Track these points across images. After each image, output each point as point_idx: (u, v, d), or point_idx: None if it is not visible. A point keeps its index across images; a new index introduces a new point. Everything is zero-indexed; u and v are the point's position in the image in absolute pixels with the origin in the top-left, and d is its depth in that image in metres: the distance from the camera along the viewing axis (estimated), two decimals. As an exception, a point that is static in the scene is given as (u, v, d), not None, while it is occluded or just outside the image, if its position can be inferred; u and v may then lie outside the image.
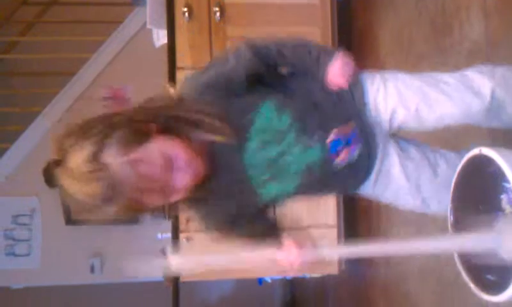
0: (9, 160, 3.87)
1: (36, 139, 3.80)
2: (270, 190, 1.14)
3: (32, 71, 4.12)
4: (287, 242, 1.12)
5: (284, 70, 1.19)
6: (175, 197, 1.03)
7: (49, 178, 3.81)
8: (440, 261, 1.99)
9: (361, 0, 2.96)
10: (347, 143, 1.15)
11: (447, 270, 1.94)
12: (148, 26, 2.92)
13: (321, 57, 1.17)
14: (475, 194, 1.07)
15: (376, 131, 1.20)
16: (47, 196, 3.87)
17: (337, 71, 1.16)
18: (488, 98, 1.18)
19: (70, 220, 3.92)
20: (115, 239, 3.92)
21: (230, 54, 1.14)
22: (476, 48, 1.79)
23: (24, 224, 3.93)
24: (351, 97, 1.18)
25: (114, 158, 0.94)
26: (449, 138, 1.48)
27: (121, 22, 3.87)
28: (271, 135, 1.10)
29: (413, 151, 1.26)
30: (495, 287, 0.98)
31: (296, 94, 1.16)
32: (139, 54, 3.65)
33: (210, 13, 2.66)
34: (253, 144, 1.09)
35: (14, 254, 3.92)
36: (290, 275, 1.16)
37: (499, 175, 0.98)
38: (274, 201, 1.19)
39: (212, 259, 1.17)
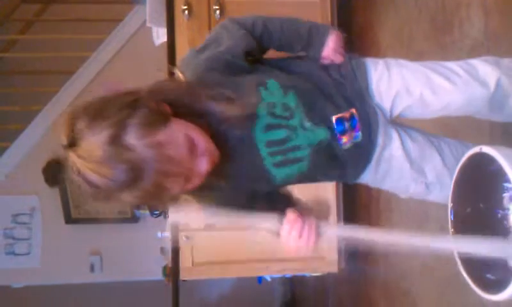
0: (9, 158, 3.87)
1: (36, 137, 3.79)
2: (284, 171, 1.11)
3: (32, 69, 4.11)
4: (291, 215, 1.03)
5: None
6: (194, 183, 0.98)
7: (49, 177, 3.82)
8: (440, 259, 1.99)
9: (361, -3, 2.95)
10: (353, 126, 1.14)
11: (447, 269, 1.93)
12: (148, 24, 2.91)
13: (313, 35, 1.16)
14: (476, 192, 1.07)
15: (378, 116, 1.18)
16: (47, 195, 3.87)
17: (332, 47, 1.16)
18: (492, 86, 1.17)
19: (70, 219, 3.92)
20: (115, 238, 3.92)
21: (221, 33, 1.11)
22: (476, 45, 1.78)
23: (24, 223, 3.92)
24: (354, 80, 1.17)
25: (138, 139, 0.87)
26: (449, 134, 1.47)
27: (121, 20, 3.86)
28: (281, 110, 1.08)
29: (416, 135, 1.24)
30: (495, 286, 0.98)
31: (296, 76, 1.15)
32: (139, 52, 3.64)
33: (210, 11, 2.66)
34: (263, 121, 1.06)
35: (14, 253, 3.92)
36: (292, 251, 1.04)
37: (500, 173, 0.97)
38: (288, 182, 1.15)
39: (215, 217, 1.12)
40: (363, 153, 1.19)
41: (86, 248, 3.93)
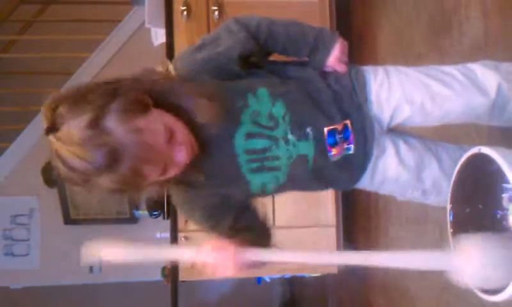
0: (8, 159, 3.87)
1: (34, 138, 3.79)
2: (259, 178, 1.11)
3: (31, 70, 4.11)
4: (208, 243, 1.04)
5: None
6: (171, 173, 0.99)
7: (48, 177, 3.82)
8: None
9: (360, -1, 2.96)
10: (345, 138, 1.13)
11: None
12: (147, 25, 2.92)
13: (319, 41, 1.14)
14: (475, 193, 1.07)
15: (374, 128, 1.17)
16: (46, 196, 3.86)
17: (338, 56, 1.15)
18: (493, 92, 1.16)
19: (68, 220, 3.92)
20: (114, 238, 3.91)
21: (221, 34, 1.11)
22: (475, 47, 1.78)
23: (23, 224, 3.92)
24: (353, 91, 1.16)
25: (117, 124, 0.89)
26: (447, 137, 1.48)
27: (119, 21, 3.86)
28: (265, 119, 1.07)
29: (413, 142, 1.23)
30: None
31: (292, 81, 1.13)
32: (137, 53, 3.64)
33: (208, 12, 2.66)
34: (245, 128, 1.06)
35: (12, 254, 3.91)
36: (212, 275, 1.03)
37: (499, 174, 0.97)
38: (263, 191, 1.13)
39: (139, 251, 1.13)
40: (357, 164, 1.18)
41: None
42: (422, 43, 2.20)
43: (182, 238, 2.66)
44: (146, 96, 0.96)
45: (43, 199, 3.88)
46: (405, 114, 1.18)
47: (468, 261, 0.93)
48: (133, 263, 1.07)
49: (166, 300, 2.84)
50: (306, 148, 1.10)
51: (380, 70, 1.19)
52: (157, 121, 0.95)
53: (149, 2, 2.84)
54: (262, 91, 1.08)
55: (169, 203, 2.75)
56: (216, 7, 2.63)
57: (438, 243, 1.98)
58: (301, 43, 1.15)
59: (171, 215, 2.71)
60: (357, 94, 1.16)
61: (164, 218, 2.89)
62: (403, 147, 1.21)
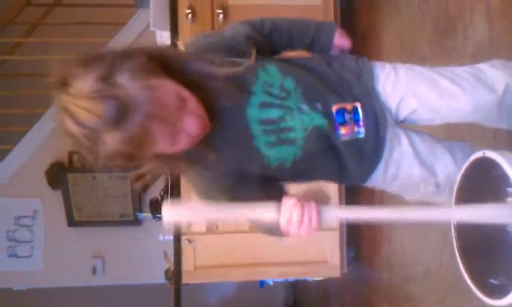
0: (12, 161, 3.88)
1: (39, 140, 3.80)
2: (276, 152, 1.08)
3: (36, 72, 4.12)
4: (290, 198, 0.96)
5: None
6: (181, 145, 0.97)
7: (52, 179, 3.82)
8: (443, 264, 1.98)
9: (364, 1, 2.96)
10: (355, 120, 1.13)
11: (450, 274, 1.93)
12: (152, 28, 2.92)
13: (321, 27, 1.21)
14: (479, 197, 1.06)
15: (386, 115, 1.16)
16: (49, 198, 3.87)
17: (342, 34, 1.22)
18: (501, 91, 1.15)
19: (72, 222, 3.93)
20: (117, 241, 3.92)
21: (226, 28, 1.17)
22: (480, 50, 1.78)
23: (26, 226, 3.93)
24: (360, 76, 1.17)
25: (129, 79, 0.87)
26: (453, 139, 1.47)
27: (124, 24, 3.87)
28: (277, 90, 1.09)
29: (425, 136, 1.22)
30: (498, 291, 0.97)
31: (299, 67, 1.15)
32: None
33: (213, 15, 2.67)
34: (258, 98, 1.07)
35: (16, 256, 3.92)
36: (292, 234, 0.95)
37: (503, 178, 0.97)
38: (278, 166, 1.09)
39: (209, 210, 1.02)
40: (368, 151, 1.15)
41: (88, 251, 3.93)
42: (426, 46, 2.20)
43: (185, 241, 2.66)
44: (158, 65, 0.96)
45: (47, 201, 3.89)
46: (412, 107, 1.17)
47: None
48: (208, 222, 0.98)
49: (169, 303, 2.84)
50: (320, 120, 1.10)
51: (387, 64, 1.20)
52: (169, 86, 0.94)
53: (154, 5, 2.85)
54: (272, 67, 1.10)
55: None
56: (220, 11, 2.63)
57: (442, 248, 1.98)
58: (305, 30, 1.20)
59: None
60: (365, 80, 1.17)
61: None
62: (416, 139, 1.20)
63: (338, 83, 1.15)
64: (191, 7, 2.64)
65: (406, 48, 2.41)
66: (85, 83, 0.86)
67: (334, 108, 1.11)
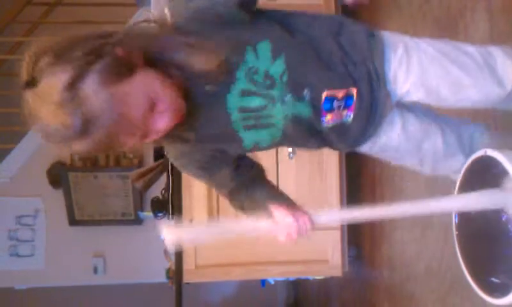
0: (14, 160, 3.88)
1: (40, 140, 3.79)
2: (253, 135, 1.08)
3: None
4: (280, 211, 1.05)
5: None
6: (153, 137, 0.98)
7: (53, 178, 3.81)
8: (444, 263, 1.98)
9: (366, 1, 2.95)
10: (346, 105, 1.09)
11: (452, 273, 1.93)
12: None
13: None
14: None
15: (386, 104, 1.13)
16: (51, 197, 3.88)
17: None
18: (509, 86, 1.13)
19: (73, 221, 3.93)
20: (118, 240, 3.92)
21: None
22: (481, 49, 1.78)
23: (28, 225, 3.93)
24: (368, 60, 1.10)
25: (94, 90, 0.86)
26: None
27: (125, 23, 3.87)
28: (261, 78, 1.02)
29: (421, 115, 1.21)
30: (499, 290, 0.97)
31: (300, 36, 1.06)
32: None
33: (214, 13, 2.66)
34: (240, 85, 1.02)
35: (17, 255, 3.93)
36: (287, 240, 1.06)
37: (504, 177, 0.97)
38: (256, 147, 1.11)
39: (208, 230, 1.12)
40: (352, 135, 1.14)
41: (89, 250, 3.94)
42: (428, 45, 2.20)
43: (187, 240, 2.66)
44: (136, 53, 0.93)
45: (48, 200, 3.89)
46: (418, 96, 1.15)
47: None
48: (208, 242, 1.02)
49: (171, 302, 2.84)
50: (302, 109, 1.06)
51: (400, 45, 1.13)
52: (139, 88, 0.91)
53: (155, 3, 2.85)
54: (264, 45, 1.02)
55: (173, 204, 2.75)
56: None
57: (443, 246, 1.97)
58: None
59: (176, 216, 2.71)
60: (374, 65, 1.10)
61: (168, 219, 2.89)
62: (411, 119, 1.19)
63: (338, 63, 1.08)
64: (192, 6, 2.63)
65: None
66: (52, 88, 0.86)
67: (323, 95, 1.06)
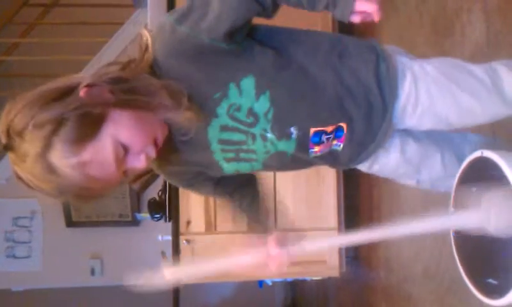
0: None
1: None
2: (234, 166, 1.08)
3: (34, 73, 4.11)
4: (268, 242, 1.08)
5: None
6: (134, 173, 0.99)
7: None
8: (441, 264, 1.98)
9: (363, 2, 2.95)
10: (335, 136, 1.06)
11: (449, 274, 1.93)
12: (150, 28, 2.91)
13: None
14: (477, 197, 1.06)
15: (387, 132, 1.10)
16: (47, 198, 3.86)
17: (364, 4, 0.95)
18: None
19: (70, 223, 3.92)
20: (115, 241, 3.92)
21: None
22: (478, 49, 1.78)
23: (24, 226, 3.92)
24: (377, 90, 1.05)
25: (61, 159, 0.89)
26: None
27: (122, 24, 3.87)
28: (244, 116, 0.99)
29: (422, 136, 1.20)
30: (497, 291, 0.97)
31: (292, 66, 1.00)
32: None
33: (211, 14, 2.66)
34: (220, 121, 1.00)
35: (14, 257, 3.92)
36: (278, 275, 1.15)
37: (501, 178, 0.97)
38: (237, 173, 1.12)
39: (202, 267, 1.17)
40: (341, 162, 1.14)
41: (86, 251, 3.93)
42: (425, 46, 2.20)
43: (184, 241, 2.66)
44: (107, 96, 0.92)
45: (45, 202, 3.85)
46: (427, 126, 1.13)
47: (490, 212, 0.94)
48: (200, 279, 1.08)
49: (168, 304, 2.84)
50: (286, 146, 1.04)
51: (408, 74, 1.07)
52: (107, 144, 0.91)
53: (151, 4, 2.84)
54: (248, 82, 0.97)
55: (170, 206, 2.75)
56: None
57: (441, 248, 1.97)
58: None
59: (173, 218, 2.71)
60: (384, 100, 1.05)
61: (166, 221, 2.89)
62: (410, 143, 1.18)
63: (332, 98, 1.03)
64: (188, 7, 2.63)
65: (404, 48, 2.40)
66: (24, 156, 0.90)
67: (312, 131, 1.03)
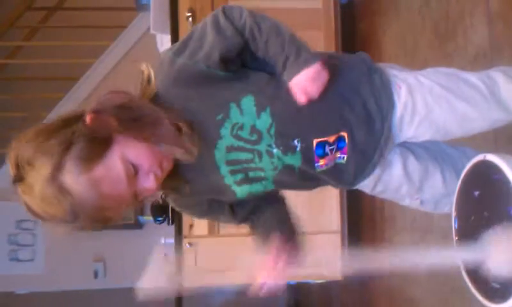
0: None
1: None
2: (246, 189, 1.08)
3: (37, 76, 4.13)
4: (263, 262, 1.07)
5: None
6: (146, 195, 1.00)
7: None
8: (445, 268, 1.98)
9: (365, 4, 2.96)
10: (338, 148, 1.07)
11: (452, 277, 1.92)
12: (152, 31, 2.92)
13: (290, 59, 1.00)
14: (480, 201, 1.06)
15: (387, 143, 1.11)
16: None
17: (302, 82, 1.00)
18: None
19: (73, 225, 3.93)
20: (118, 244, 3.92)
21: (207, 32, 1.00)
22: (480, 53, 1.78)
23: (28, 229, 3.93)
24: (374, 103, 1.07)
25: (73, 179, 0.90)
26: (452, 142, 1.47)
27: (125, 27, 3.88)
28: (247, 134, 1.02)
29: (422, 152, 1.20)
30: (500, 295, 0.97)
31: (282, 86, 1.03)
32: (143, 59, 3.64)
33: (213, 18, 2.67)
34: (225, 142, 1.02)
35: (18, 259, 3.92)
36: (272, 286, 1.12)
37: (504, 181, 0.97)
38: (248, 196, 1.11)
39: (189, 278, 1.19)
40: (346, 176, 1.13)
41: (89, 254, 3.93)
42: (427, 49, 2.20)
43: (187, 245, 2.66)
44: (109, 123, 0.94)
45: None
46: (426, 136, 1.13)
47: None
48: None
49: (171, 306, 2.83)
50: (292, 160, 1.05)
51: (402, 86, 1.09)
52: (116, 162, 0.93)
53: (154, 8, 2.85)
54: (248, 101, 1.01)
55: (173, 209, 2.75)
56: (220, 14, 2.63)
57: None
58: (278, 51, 1.01)
59: (176, 221, 2.71)
60: (381, 109, 1.08)
61: (168, 224, 2.89)
62: (411, 159, 1.19)
63: (332, 108, 1.06)
64: (191, 10, 2.64)
65: (406, 52, 2.41)
66: (35, 183, 0.91)
67: (315, 142, 1.05)
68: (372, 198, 1.31)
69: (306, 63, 1.00)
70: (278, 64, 1.02)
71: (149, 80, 1.01)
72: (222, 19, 1.00)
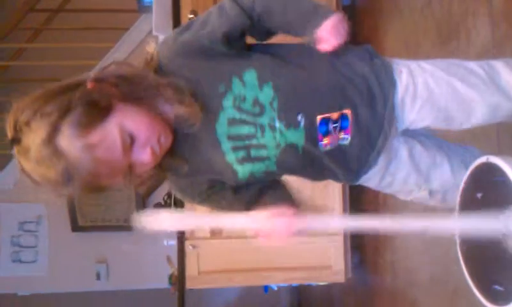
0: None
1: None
2: (247, 168, 1.06)
3: (39, 78, 4.13)
4: (266, 211, 1.02)
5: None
6: (141, 171, 1.00)
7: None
8: (447, 270, 1.97)
9: (367, 4, 2.96)
10: (341, 127, 1.07)
11: (455, 279, 1.92)
12: (154, 33, 2.92)
13: (313, 13, 1.04)
14: (483, 203, 1.06)
15: (390, 125, 1.11)
16: (54, 203, 3.87)
17: (331, 25, 1.03)
18: None
19: (76, 227, 3.93)
20: (121, 246, 3.92)
21: (212, 14, 1.03)
22: (483, 53, 1.77)
23: (31, 231, 3.94)
24: (376, 83, 1.08)
25: (69, 142, 0.90)
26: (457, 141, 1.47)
27: (127, 29, 3.88)
28: (250, 106, 1.02)
29: (428, 142, 1.20)
30: (503, 297, 0.97)
31: (292, 63, 1.06)
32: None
33: (215, 19, 2.67)
34: (227, 114, 1.01)
35: (20, 261, 3.93)
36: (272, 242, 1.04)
37: (507, 184, 0.96)
38: (249, 178, 1.08)
39: (196, 219, 1.16)
40: (351, 158, 1.11)
41: (92, 256, 3.94)
42: (430, 49, 2.19)
43: (190, 246, 2.66)
44: (111, 90, 0.95)
45: (51, 206, 3.89)
46: (428, 119, 1.13)
47: None
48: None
49: (173, 308, 2.83)
50: (295, 137, 1.04)
51: (404, 70, 1.11)
52: (113, 130, 0.93)
53: (156, 9, 2.85)
54: (250, 74, 1.02)
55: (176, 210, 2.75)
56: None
57: (446, 253, 1.96)
58: (297, 17, 1.04)
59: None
60: (383, 88, 1.08)
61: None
62: (417, 148, 1.18)
63: (334, 85, 1.06)
64: (193, 12, 2.64)
65: (409, 51, 2.40)
66: (31, 145, 0.91)
67: (318, 118, 1.04)
68: (374, 192, 1.29)
69: (326, 15, 1.04)
70: (298, 27, 1.05)
71: (153, 57, 1.02)
72: (227, 3, 1.03)
